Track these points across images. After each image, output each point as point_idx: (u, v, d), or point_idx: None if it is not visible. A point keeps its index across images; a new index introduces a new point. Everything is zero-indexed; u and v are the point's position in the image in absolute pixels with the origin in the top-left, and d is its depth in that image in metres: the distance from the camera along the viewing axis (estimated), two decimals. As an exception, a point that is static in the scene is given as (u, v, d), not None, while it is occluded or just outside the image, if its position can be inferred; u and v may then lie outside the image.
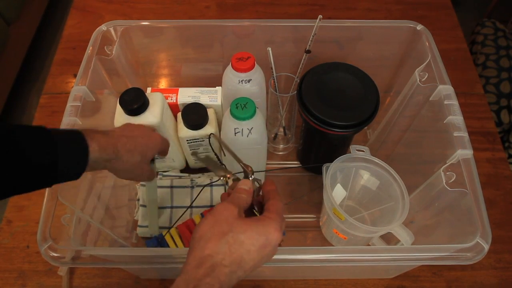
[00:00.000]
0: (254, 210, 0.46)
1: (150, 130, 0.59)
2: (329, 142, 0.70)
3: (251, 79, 0.64)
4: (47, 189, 0.50)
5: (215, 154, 0.69)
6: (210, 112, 0.70)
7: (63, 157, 0.42)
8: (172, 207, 0.73)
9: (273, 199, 0.43)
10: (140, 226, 0.71)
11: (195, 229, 0.40)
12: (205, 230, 0.38)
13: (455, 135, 0.54)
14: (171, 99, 0.73)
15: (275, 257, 0.47)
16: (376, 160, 0.62)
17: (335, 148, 0.72)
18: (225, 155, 0.59)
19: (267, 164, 0.78)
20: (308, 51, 0.65)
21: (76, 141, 0.44)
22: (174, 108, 0.72)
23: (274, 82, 0.68)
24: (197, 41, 0.76)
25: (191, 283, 0.35)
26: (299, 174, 0.80)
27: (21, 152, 0.40)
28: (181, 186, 0.75)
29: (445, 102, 0.58)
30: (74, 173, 0.45)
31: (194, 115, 0.67)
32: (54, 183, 0.44)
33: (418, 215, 0.61)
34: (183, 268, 0.37)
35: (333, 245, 0.71)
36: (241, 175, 0.49)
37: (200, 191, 0.72)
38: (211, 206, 0.73)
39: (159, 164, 0.77)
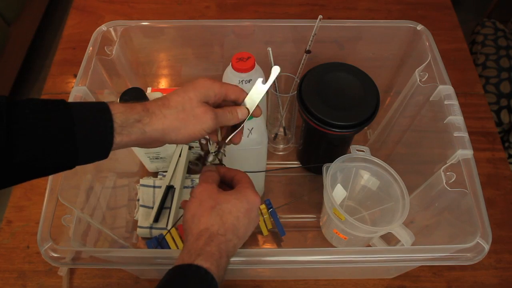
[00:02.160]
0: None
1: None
2: (329, 142, 0.70)
3: (251, 79, 0.64)
4: (47, 189, 0.50)
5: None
6: None
7: (82, 140, 0.37)
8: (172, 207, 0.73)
9: (237, 173, 0.48)
10: (140, 227, 0.71)
11: (184, 212, 0.43)
12: (194, 210, 0.42)
13: (455, 135, 0.54)
14: (171, 99, 0.73)
15: (276, 258, 0.47)
16: (376, 160, 0.62)
17: (335, 148, 0.72)
18: (225, 156, 0.59)
19: (267, 164, 0.78)
20: (308, 51, 0.65)
21: (97, 114, 0.39)
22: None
23: (274, 82, 0.68)
24: (197, 41, 0.76)
25: (194, 253, 0.38)
26: (299, 174, 0.80)
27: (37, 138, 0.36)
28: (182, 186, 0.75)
29: (445, 102, 0.58)
30: (100, 151, 0.40)
31: None
32: (80, 164, 0.40)
33: (418, 215, 0.61)
34: (184, 247, 0.40)
35: (333, 245, 0.71)
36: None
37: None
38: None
39: (160, 164, 0.77)
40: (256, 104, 0.49)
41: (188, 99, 0.43)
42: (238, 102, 0.48)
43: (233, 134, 0.49)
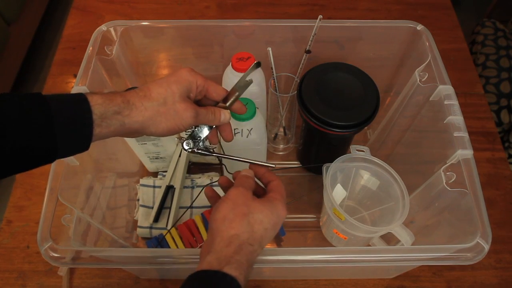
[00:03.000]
0: None
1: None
2: (329, 142, 0.70)
3: (251, 79, 0.64)
4: (47, 189, 0.50)
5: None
6: None
7: (61, 133, 0.37)
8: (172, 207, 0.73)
9: (274, 180, 0.47)
10: (140, 227, 0.71)
11: (214, 211, 0.42)
12: (226, 212, 0.41)
13: (455, 135, 0.54)
14: (171, 99, 0.73)
15: (276, 257, 0.47)
16: (376, 160, 0.62)
17: (335, 148, 0.72)
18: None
19: (267, 164, 0.78)
20: (308, 51, 0.65)
21: (75, 105, 0.38)
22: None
23: (274, 82, 0.68)
24: (197, 41, 0.76)
25: (223, 260, 0.37)
26: (299, 174, 0.80)
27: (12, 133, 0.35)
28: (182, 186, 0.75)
29: (445, 102, 0.58)
30: (80, 143, 0.39)
31: None
32: (60, 158, 0.39)
33: (418, 215, 0.61)
34: (212, 248, 0.39)
35: (333, 245, 0.71)
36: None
37: (201, 191, 0.71)
38: (211, 207, 0.73)
39: (160, 164, 0.77)
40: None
41: (171, 93, 0.43)
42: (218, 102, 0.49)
43: (206, 135, 0.49)
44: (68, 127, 0.37)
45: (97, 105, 0.39)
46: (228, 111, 0.49)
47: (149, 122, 0.42)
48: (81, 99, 0.39)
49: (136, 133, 0.43)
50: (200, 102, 0.49)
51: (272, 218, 0.42)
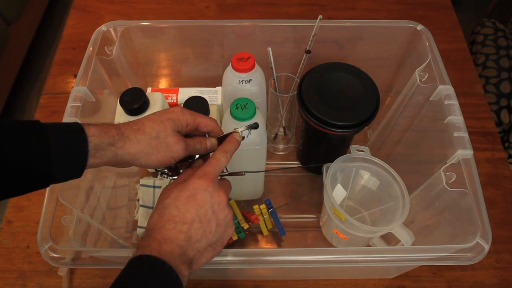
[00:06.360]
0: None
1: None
2: (329, 142, 0.70)
3: (251, 79, 0.64)
4: (47, 189, 0.50)
5: None
6: (213, 109, 0.70)
7: (57, 160, 0.39)
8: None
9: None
10: (140, 227, 0.71)
11: None
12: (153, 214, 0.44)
13: (455, 135, 0.54)
14: (171, 99, 0.73)
15: (276, 258, 0.47)
16: (377, 160, 0.62)
17: (335, 148, 0.72)
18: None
19: (267, 164, 0.78)
20: (308, 51, 0.65)
21: (72, 135, 0.40)
22: (174, 108, 0.72)
23: (274, 82, 0.68)
24: (197, 41, 0.76)
25: (138, 249, 0.41)
26: (299, 174, 0.80)
27: (7, 156, 0.37)
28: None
29: (445, 102, 0.58)
30: (74, 171, 0.41)
31: (195, 108, 0.67)
32: (53, 184, 0.41)
33: (418, 215, 0.61)
34: None
35: (333, 245, 0.71)
36: None
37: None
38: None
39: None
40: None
41: (163, 128, 0.45)
42: (211, 135, 0.51)
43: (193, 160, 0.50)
44: (64, 156, 0.39)
45: (93, 136, 0.41)
46: (214, 138, 0.50)
47: (141, 154, 0.44)
48: (78, 129, 0.40)
49: (127, 164, 0.45)
50: (190, 135, 0.50)
51: (180, 195, 0.42)
